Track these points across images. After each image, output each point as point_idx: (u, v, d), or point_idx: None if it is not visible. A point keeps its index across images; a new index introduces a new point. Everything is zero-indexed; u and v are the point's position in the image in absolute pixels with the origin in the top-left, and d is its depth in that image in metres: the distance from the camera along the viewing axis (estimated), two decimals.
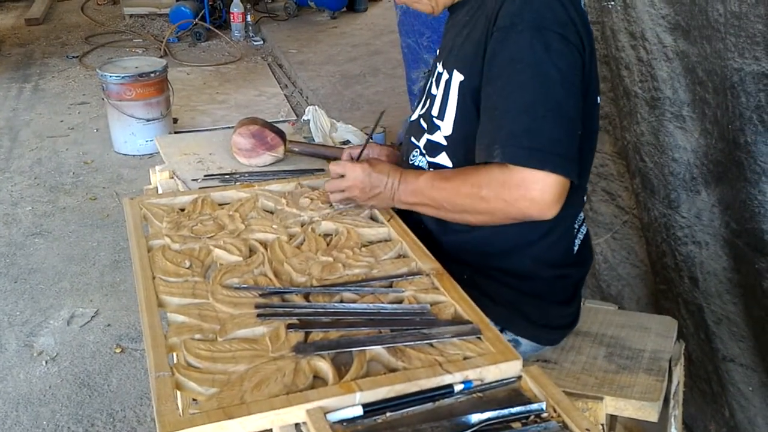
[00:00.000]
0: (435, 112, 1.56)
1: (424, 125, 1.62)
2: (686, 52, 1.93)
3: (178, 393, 1.10)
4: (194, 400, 1.10)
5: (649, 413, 1.46)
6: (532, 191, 1.32)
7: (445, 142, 1.54)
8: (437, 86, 1.57)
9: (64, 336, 2.93)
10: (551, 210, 1.34)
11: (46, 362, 2.77)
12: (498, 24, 1.39)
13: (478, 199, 1.39)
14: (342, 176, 1.61)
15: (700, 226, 2.05)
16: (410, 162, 1.66)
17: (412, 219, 1.60)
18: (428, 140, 1.59)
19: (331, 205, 1.67)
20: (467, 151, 1.47)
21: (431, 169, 1.58)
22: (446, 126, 1.53)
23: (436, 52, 1.72)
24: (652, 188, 2.18)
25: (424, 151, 1.61)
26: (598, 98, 1.53)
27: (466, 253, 1.55)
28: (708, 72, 1.87)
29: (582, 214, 1.64)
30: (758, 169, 1.79)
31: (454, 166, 1.54)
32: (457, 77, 1.49)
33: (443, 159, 1.55)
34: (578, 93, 1.39)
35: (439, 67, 1.58)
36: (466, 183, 1.41)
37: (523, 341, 1.59)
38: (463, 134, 1.50)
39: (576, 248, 1.61)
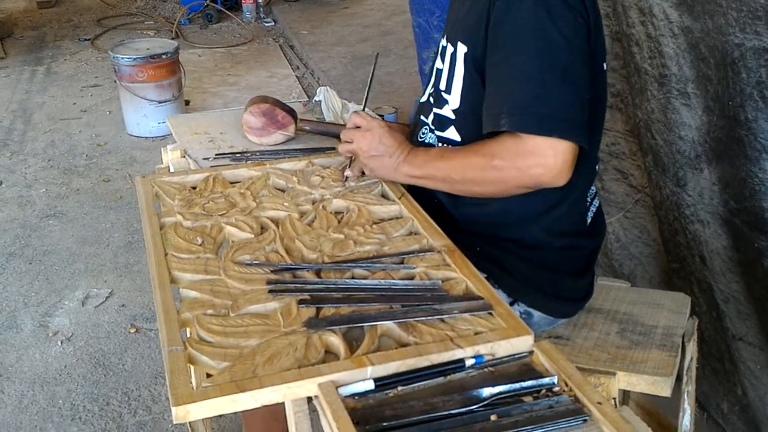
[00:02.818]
0: (442, 86, 1.56)
1: (432, 101, 1.62)
2: (690, 28, 1.91)
3: (192, 369, 1.11)
4: (208, 375, 1.10)
5: (662, 388, 1.46)
6: (544, 158, 1.32)
7: (453, 116, 1.54)
8: (443, 61, 1.57)
9: (79, 316, 2.95)
10: (564, 176, 1.34)
11: (62, 342, 2.80)
12: None
13: (489, 168, 1.38)
14: (358, 128, 1.60)
15: (702, 204, 2.04)
16: (419, 140, 1.65)
17: (425, 192, 1.59)
18: (436, 114, 1.59)
19: (344, 183, 1.67)
20: (475, 123, 1.47)
21: (441, 144, 1.58)
22: (454, 99, 1.53)
23: None
24: (663, 166, 2.16)
25: (432, 127, 1.61)
26: (604, 65, 1.52)
27: (478, 225, 1.55)
28: (710, 48, 1.85)
29: (594, 188, 1.63)
30: (758, 146, 1.77)
31: (462, 140, 1.53)
32: (462, 49, 1.49)
33: (452, 133, 1.55)
34: (585, 58, 1.39)
35: (444, 41, 1.58)
36: (477, 154, 1.40)
37: (536, 313, 1.58)
38: (471, 106, 1.50)
39: (589, 220, 1.61)
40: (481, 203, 1.53)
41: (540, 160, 1.32)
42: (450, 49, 1.53)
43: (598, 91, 1.50)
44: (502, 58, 1.38)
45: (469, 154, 1.43)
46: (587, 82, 1.39)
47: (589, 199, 1.61)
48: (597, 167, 1.64)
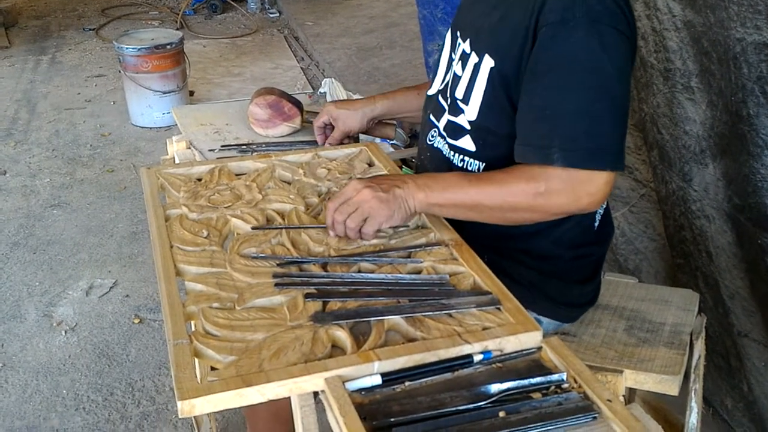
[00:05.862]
0: (459, 94, 1.51)
1: (444, 104, 1.57)
2: (692, 22, 1.89)
3: (196, 361, 1.10)
4: (212, 368, 1.10)
5: (670, 387, 1.45)
6: (595, 187, 1.31)
7: (468, 126, 1.50)
8: (463, 68, 1.51)
9: (83, 306, 2.95)
10: (602, 203, 1.35)
11: (66, 332, 2.80)
12: (546, 18, 1.34)
13: (534, 195, 1.32)
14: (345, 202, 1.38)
15: (708, 200, 2.03)
16: (428, 143, 1.62)
17: None
18: (449, 121, 1.55)
19: (350, 177, 1.65)
20: (492, 136, 1.44)
21: (453, 153, 1.54)
22: (471, 111, 1.49)
23: (449, 23, 1.67)
24: (669, 161, 2.15)
25: (444, 133, 1.57)
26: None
27: (486, 237, 1.51)
28: (712, 42, 1.83)
29: None
30: (760, 142, 1.76)
31: (477, 150, 1.50)
32: (488, 62, 1.44)
33: (466, 142, 1.51)
34: (630, 84, 1.37)
35: (465, 47, 1.52)
36: (518, 179, 1.34)
37: (544, 320, 1.57)
38: (489, 120, 1.46)
39: (597, 224, 1.58)
40: None
41: (591, 189, 1.31)
42: (474, 58, 1.48)
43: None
44: (547, 87, 1.34)
45: (507, 180, 1.35)
46: (630, 106, 1.38)
47: None
48: None
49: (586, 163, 1.30)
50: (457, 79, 1.54)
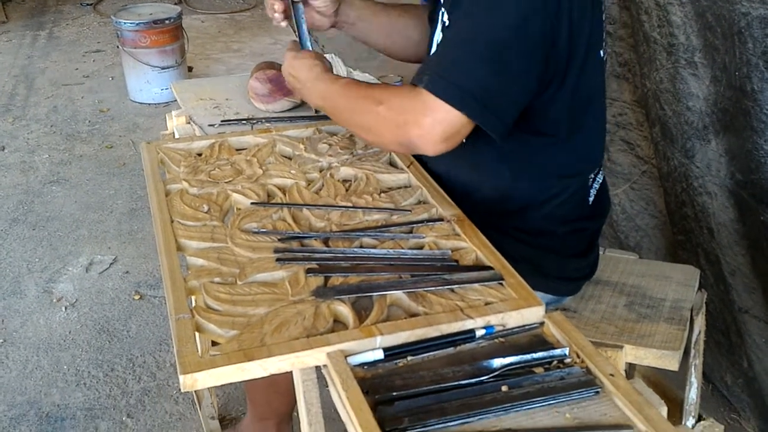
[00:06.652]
0: None
1: None
2: None
3: (198, 336, 1.10)
4: (213, 343, 1.09)
5: (670, 362, 1.45)
6: (426, 119, 1.25)
7: None
8: (443, 33, 1.48)
9: (83, 282, 2.95)
10: (437, 146, 1.27)
11: (66, 308, 2.80)
12: None
13: (372, 113, 1.33)
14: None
15: (710, 176, 2.02)
16: None
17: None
18: None
19: (351, 153, 1.65)
20: None
21: None
22: None
23: None
24: (671, 137, 2.14)
25: None
26: (601, 52, 1.43)
27: (478, 213, 1.51)
28: (717, 17, 1.81)
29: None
30: (764, 117, 1.75)
31: None
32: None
33: None
34: (536, 58, 1.28)
35: (446, 18, 1.50)
36: (371, 92, 1.36)
37: (541, 294, 1.56)
38: None
39: (591, 199, 1.57)
40: (478, 190, 1.49)
41: (422, 120, 1.25)
42: (448, 23, 1.44)
43: (592, 82, 1.43)
44: (457, 23, 1.33)
45: (363, 92, 1.39)
46: (526, 80, 1.30)
47: (592, 176, 1.55)
48: (604, 154, 1.57)
49: (441, 92, 1.24)
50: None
